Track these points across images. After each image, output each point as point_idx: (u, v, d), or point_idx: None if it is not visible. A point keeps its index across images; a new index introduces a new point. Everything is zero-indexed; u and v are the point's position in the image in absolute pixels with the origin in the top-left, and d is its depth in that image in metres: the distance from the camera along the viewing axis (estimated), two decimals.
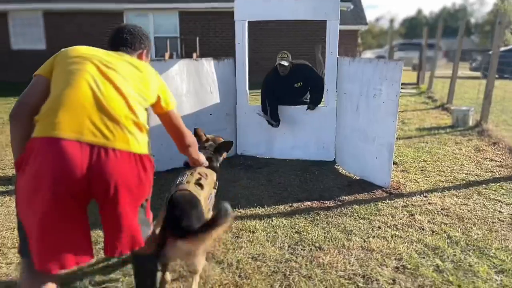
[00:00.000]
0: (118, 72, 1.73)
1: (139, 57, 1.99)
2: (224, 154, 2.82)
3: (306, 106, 4.91)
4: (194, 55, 11.97)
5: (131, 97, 1.71)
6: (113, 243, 1.65)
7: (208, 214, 2.25)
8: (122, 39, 1.94)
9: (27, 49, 13.85)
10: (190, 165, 2.41)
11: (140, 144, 1.68)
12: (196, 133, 2.79)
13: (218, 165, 2.70)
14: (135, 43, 1.96)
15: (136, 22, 13.78)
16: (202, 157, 2.39)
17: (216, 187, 2.51)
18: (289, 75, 4.94)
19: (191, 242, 1.94)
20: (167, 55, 11.51)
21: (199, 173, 2.33)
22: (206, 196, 2.25)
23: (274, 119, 4.95)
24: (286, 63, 4.82)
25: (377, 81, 4.00)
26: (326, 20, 4.70)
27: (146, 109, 1.84)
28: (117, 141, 1.60)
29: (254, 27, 12.37)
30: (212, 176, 2.47)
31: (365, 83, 4.16)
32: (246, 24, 4.86)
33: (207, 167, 2.46)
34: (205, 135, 2.87)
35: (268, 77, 5.13)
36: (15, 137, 1.67)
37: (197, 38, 12.60)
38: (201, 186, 2.25)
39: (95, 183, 1.55)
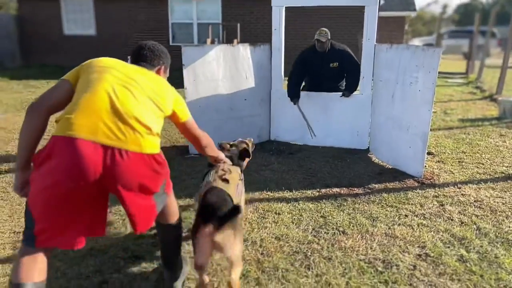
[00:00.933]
0: (136, 82, 1.86)
1: (157, 72, 2.12)
2: (246, 161, 2.88)
3: (341, 93, 4.89)
4: (235, 41, 12.07)
5: (147, 105, 1.84)
6: (133, 224, 1.83)
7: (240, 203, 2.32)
8: (143, 55, 2.08)
9: (78, 34, 14.53)
10: (212, 163, 2.55)
11: (152, 145, 1.81)
12: (221, 147, 2.80)
13: (241, 164, 2.78)
14: (154, 59, 2.09)
15: (180, 8, 14.16)
16: (221, 154, 2.52)
17: (242, 179, 2.60)
18: (326, 53, 4.96)
19: (225, 229, 1.96)
20: (208, 41, 11.68)
21: (222, 169, 2.42)
22: (233, 190, 2.31)
23: (290, 93, 4.95)
24: (323, 39, 4.84)
25: (413, 68, 3.91)
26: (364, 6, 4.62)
27: (163, 118, 1.97)
28: (130, 143, 1.72)
29: (294, 13, 12.28)
30: (236, 170, 2.55)
31: (402, 71, 4.08)
32: (284, 10, 4.87)
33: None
34: (229, 144, 2.86)
35: (305, 51, 5.15)
36: (27, 130, 1.74)
37: (238, 25, 12.67)
38: (226, 181, 2.32)
39: (108, 181, 1.69)
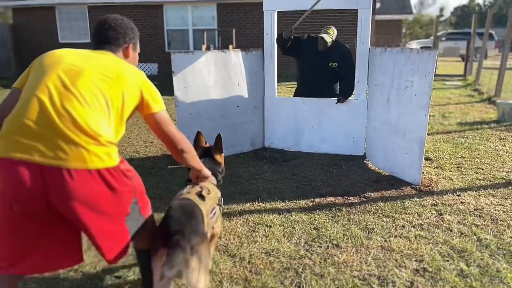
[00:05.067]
0: (85, 75, 1.60)
1: (125, 52, 1.86)
2: (221, 158, 2.52)
3: (336, 98, 4.76)
4: (231, 47, 11.99)
5: (96, 105, 1.58)
6: (100, 251, 1.64)
7: (210, 231, 2.06)
8: (104, 36, 1.80)
9: (73, 42, 14.46)
10: (192, 180, 2.19)
11: (101, 158, 1.55)
12: (197, 137, 2.51)
13: (221, 177, 2.42)
14: (119, 38, 1.82)
15: (176, 15, 14.09)
16: (205, 170, 2.13)
17: (221, 204, 2.25)
18: (328, 49, 4.81)
19: (183, 251, 1.64)
20: (204, 47, 11.60)
21: (200, 187, 2.08)
22: (208, 209, 1.99)
23: (280, 39, 4.76)
24: (328, 39, 4.72)
25: (409, 72, 3.79)
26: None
27: (124, 113, 1.70)
28: (72, 160, 1.49)
29: (293, 17, 12.21)
30: (216, 192, 2.19)
31: (397, 75, 3.96)
32: (276, 15, 4.77)
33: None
34: (206, 143, 2.54)
35: (309, 38, 4.96)
36: None
37: (233, 30, 12.60)
38: (202, 197, 1.99)
39: (55, 205, 1.50)
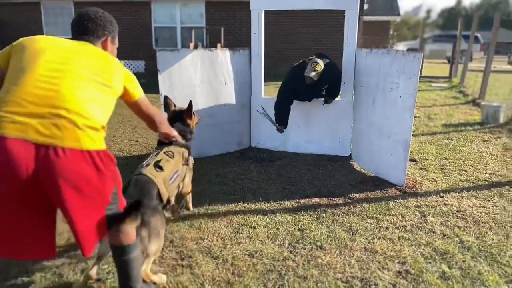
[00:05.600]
0: (74, 64, 1.66)
1: (104, 44, 1.91)
2: (194, 120, 3.02)
3: (323, 100, 4.74)
4: (219, 45, 11.92)
5: (87, 91, 1.64)
6: (81, 241, 1.63)
7: (173, 192, 2.41)
8: (83, 26, 1.86)
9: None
10: (162, 141, 2.57)
11: (94, 140, 1.61)
12: (166, 102, 3.01)
13: (191, 136, 2.90)
14: (98, 30, 1.88)
15: (163, 12, 13.97)
16: (173, 131, 2.49)
17: (189, 163, 2.66)
18: (318, 78, 4.44)
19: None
20: (191, 45, 11.52)
21: (164, 153, 2.44)
22: (166, 177, 2.32)
23: (281, 122, 4.65)
24: (316, 78, 4.35)
25: (394, 74, 3.80)
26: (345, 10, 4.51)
27: (111, 101, 1.78)
28: (66, 139, 1.53)
29: (284, 16, 12.19)
30: (181, 153, 2.59)
31: (382, 76, 3.97)
32: (263, 14, 4.74)
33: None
34: (174, 106, 3.02)
35: (296, 73, 4.56)
36: None
37: (222, 29, 12.53)
38: (160, 167, 2.32)
39: (44, 184, 1.51)
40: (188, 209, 3.17)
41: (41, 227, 1.63)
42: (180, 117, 2.90)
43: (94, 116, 1.63)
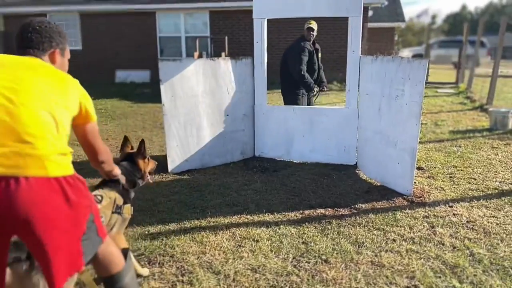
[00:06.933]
0: (28, 87, 1.51)
1: (52, 57, 1.73)
2: (149, 165, 2.49)
3: (321, 102, 4.70)
4: (223, 54, 11.93)
5: (46, 117, 1.49)
6: (51, 273, 1.48)
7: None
8: (27, 39, 1.67)
9: None
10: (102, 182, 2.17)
11: (61, 165, 1.48)
12: (123, 143, 2.52)
13: (140, 182, 2.40)
14: (43, 42, 1.69)
15: (168, 22, 14.02)
16: (116, 169, 2.10)
17: (120, 211, 2.14)
18: (313, 43, 5.31)
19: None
20: (196, 54, 11.53)
21: (95, 194, 2.02)
22: None
23: (314, 84, 5.25)
24: (315, 27, 5.20)
25: (400, 81, 3.73)
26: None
27: (69, 123, 1.63)
28: (30, 167, 1.40)
29: (286, 24, 12.16)
30: (112, 199, 2.11)
31: (388, 83, 3.90)
32: (265, 22, 4.71)
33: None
34: (132, 148, 2.52)
35: (305, 44, 5.18)
36: None
37: (226, 37, 12.54)
38: None
39: (8, 218, 1.38)
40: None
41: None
42: (130, 158, 2.41)
43: (59, 140, 1.51)
